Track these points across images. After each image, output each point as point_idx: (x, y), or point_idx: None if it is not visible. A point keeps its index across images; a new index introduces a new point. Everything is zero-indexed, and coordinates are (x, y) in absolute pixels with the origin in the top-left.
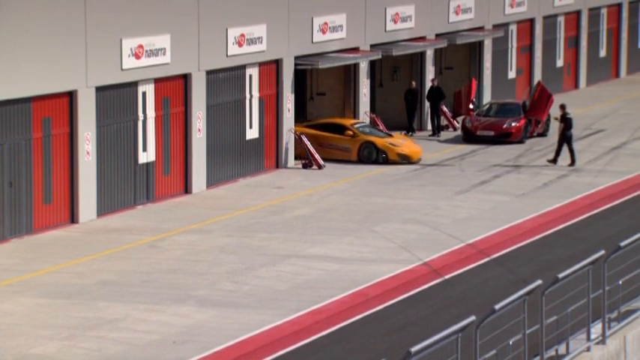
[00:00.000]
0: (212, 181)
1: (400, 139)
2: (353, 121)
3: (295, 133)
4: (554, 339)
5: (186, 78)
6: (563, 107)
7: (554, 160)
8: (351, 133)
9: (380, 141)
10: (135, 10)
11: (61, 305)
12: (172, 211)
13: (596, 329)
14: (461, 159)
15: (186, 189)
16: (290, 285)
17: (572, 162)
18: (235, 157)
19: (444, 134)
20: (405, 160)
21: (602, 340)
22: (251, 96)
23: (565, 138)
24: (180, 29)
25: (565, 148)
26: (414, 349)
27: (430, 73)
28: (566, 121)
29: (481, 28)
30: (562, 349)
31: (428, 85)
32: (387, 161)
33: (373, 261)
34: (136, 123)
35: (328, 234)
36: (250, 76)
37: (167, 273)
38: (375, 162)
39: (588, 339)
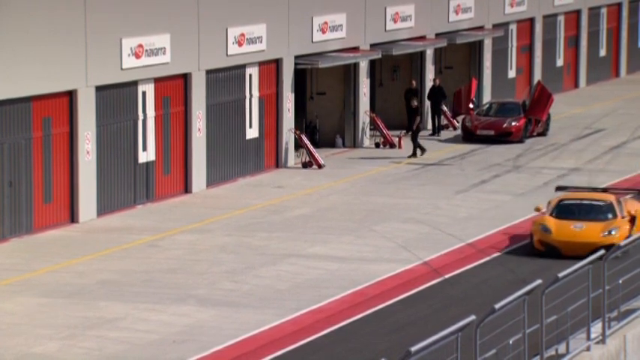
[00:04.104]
0: (212, 181)
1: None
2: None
3: (295, 132)
4: (554, 338)
5: (186, 77)
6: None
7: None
8: None
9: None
10: (135, 10)
11: (60, 305)
12: (172, 211)
13: (596, 329)
14: (461, 158)
15: (186, 188)
16: (290, 284)
17: (414, 154)
18: (235, 157)
19: (444, 134)
20: (555, 251)
21: (602, 340)
22: (251, 95)
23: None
24: (180, 29)
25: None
26: (413, 348)
27: (430, 72)
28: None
29: (481, 28)
30: (562, 348)
31: (428, 84)
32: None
33: (373, 260)
34: (135, 122)
35: (328, 233)
36: (250, 76)
37: (167, 272)
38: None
39: (588, 338)
